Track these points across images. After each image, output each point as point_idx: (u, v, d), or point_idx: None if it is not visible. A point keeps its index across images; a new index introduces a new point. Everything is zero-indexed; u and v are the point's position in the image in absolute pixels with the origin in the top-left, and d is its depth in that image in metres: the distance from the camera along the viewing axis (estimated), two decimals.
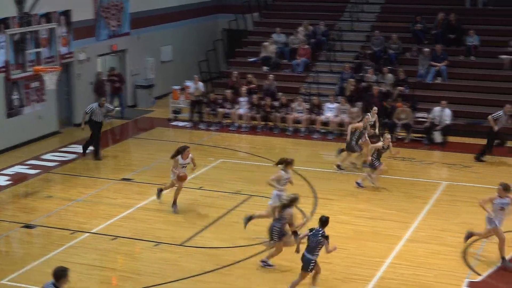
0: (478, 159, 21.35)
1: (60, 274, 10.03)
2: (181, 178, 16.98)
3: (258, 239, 15.09)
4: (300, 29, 28.98)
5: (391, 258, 14.49)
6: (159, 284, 13.47)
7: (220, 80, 29.15)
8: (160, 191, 17.66)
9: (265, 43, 28.58)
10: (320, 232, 12.58)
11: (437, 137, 23.15)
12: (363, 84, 25.67)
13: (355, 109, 24.34)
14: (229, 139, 24.01)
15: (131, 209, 17.36)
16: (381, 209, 17.33)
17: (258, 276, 13.82)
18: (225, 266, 14.22)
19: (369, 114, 21.06)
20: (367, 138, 20.37)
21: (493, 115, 21.61)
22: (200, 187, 18.88)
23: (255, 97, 25.56)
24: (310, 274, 12.91)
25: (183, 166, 17.07)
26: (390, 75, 25.70)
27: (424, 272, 13.84)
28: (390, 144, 18.97)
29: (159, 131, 24.69)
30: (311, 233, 12.70)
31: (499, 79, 25.94)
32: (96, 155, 21.35)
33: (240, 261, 14.45)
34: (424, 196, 18.27)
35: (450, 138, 23.25)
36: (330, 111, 24.63)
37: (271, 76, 26.57)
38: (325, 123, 24.59)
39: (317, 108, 24.92)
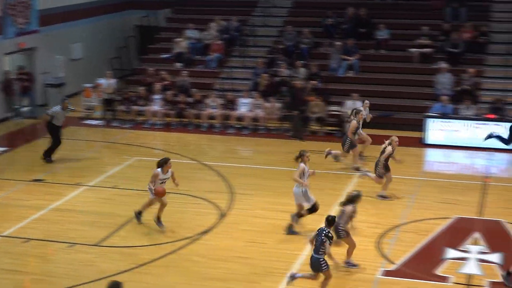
0: None
1: None
2: (160, 193, 15.22)
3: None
4: (213, 24, 28.90)
5: (307, 250, 14.57)
6: (74, 286, 13.18)
7: (133, 77, 28.80)
8: (138, 213, 15.94)
9: (178, 39, 28.39)
10: (324, 232, 12.43)
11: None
12: (277, 78, 25.79)
13: (269, 104, 24.45)
14: (143, 137, 23.73)
15: (44, 210, 16.93)
16: None
17: (176, 273, 13.69)
18: (142, 265, 14.03)
19: (361, 108, 20.81)
20: (362, 134, 20.32)
21: None
22: (115, 186, 18.58)
23: (169, 93, 25.35)
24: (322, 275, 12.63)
25: (162, 182, 15.35)
26: (302, 69, 25.91)
27: (341, 262, 13.98)
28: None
29: (71, 130, 24.17)
30: (317, 232, 12.57)
31: (409, 72, 26.49)
32: (47, 155, 20.63)
33: (157, 259, 14.29)
34: (339, 188, 18.46)
35: (362, 130, 23.56)
36: (244, 106, 24.65)
37: (184, 73, 26.41)
38: (240, 119, 24.60)
39: (231, 104, 24.92)
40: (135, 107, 25.21)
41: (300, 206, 15.58)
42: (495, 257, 14.22)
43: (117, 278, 13.20)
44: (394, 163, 17.63)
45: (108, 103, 25.51)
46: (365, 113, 20.61)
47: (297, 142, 22.81)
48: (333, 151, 19.83)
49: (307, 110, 23.94)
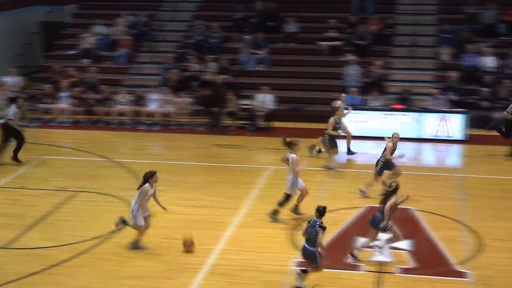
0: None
1: None
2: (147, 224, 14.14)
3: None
4: (121, 20, 28.50)
5: (222, 244, 14.56)
6: None
7: (38, 74, 28.11)
8: (135, 244, 14.39)
9: (85, 35, 27.87)
10: (318, 223, 12.39)
11: (260, 123, 23.64)
12: (187, 73, 25.66)
13: (179, 99, 24.29)
14: (51, 135, 23.22)
15: None
16: (209, 197, 17.37)
17: (89, 273, 13.43)
18: (53, 266, 13.70)
19: (338, 101, 20.52)
20: (346, 128, 20.23)
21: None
22: (23, 186, 18.10)
23: (76, 91, 24.87)
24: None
25: (148, 198, 14.04)
26: (213, 64, 25.85)
27: (254, 256, 14.02)
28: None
29: None
30: (309, 224, 12.50)
31: (318, 64, 26.79)
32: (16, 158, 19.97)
33: (69, 259, 13.98)
34: (251, 181, 18.51)
35: (274, 123, 23.75)
36: (154, 102, 24.42)
37: (92, 69, 25.96)
38: (150, 115, 24.35)
39: (141, 100, 24.63)
40: (42, 105, 24.62)
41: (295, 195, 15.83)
42: (405, 244, 14.52)
43: (30, 280, 12.93)
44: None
45: (13, 101, 24.77)
46: (343, 107, 20.25)
47: (208, 137, 22.79)
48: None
49: (227, 105, 23.91)
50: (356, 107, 22.80)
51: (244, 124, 23.93)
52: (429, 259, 14.00)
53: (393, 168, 17.25)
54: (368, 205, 16.54)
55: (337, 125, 19.42)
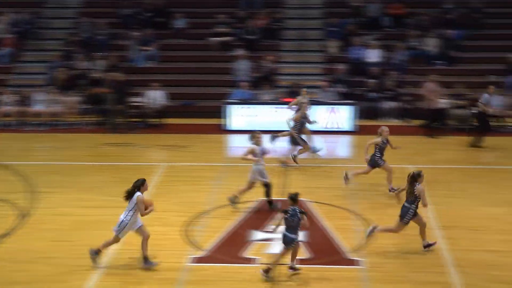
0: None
1: None
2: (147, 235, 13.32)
3: None
4: (2, 18, 27.57)
5: (115, 244, 14.28)
6: None
7: None
8: (145, 261, 13.36)
9: None
10: (297, 210, 12.55)
11: (152, 120, 23.43)
12: (74, 71, 25.09)
13: (68, 98, 23.75)
14: None
15: None
16: (103, 197, 17.03)
17: None
18: None
19: (300, 97, 20.25)
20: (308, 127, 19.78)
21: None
22: None
23: None
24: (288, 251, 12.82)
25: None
26: (101, 62, 25.37)
27: (149, 253, 13.82)
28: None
29: None
30: (289, 214, 12.57)
31: (209, 60, 26.75)
32: None
33: None
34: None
35: (165, 120, 23.56)
36: (41, 102, 23.76)
37: None
38: (37, 115, 23.68)
39: (27, 100, 23.92)
40: None
41: (252, 184, 15.95)
42: (299, 235, 14.64)
43: None
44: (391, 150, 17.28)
45: None
46: (304, 102, 19.93)
47: (99, 136, 22.39)
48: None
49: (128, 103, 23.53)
50: (247, 102, 22.88)
51: (135, 121, 23.61)
52: (322, 249, 14.18)
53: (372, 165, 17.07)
54: (261, 198, 16.60)
55: (304, 120, 19.26)
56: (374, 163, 17.04)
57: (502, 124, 23.27)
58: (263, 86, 24.15)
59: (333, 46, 26.72)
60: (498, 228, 15.18)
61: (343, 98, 23.87)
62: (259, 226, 15.17)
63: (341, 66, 25.03)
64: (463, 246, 14.24)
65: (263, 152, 16.05)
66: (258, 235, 14.79)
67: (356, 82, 24.96)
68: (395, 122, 23.58)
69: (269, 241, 14.40)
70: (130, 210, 13.05)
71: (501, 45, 26.25)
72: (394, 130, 21.32)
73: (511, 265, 13.53)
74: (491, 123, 21.75)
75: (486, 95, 21.31)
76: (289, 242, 12.75)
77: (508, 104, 23.07)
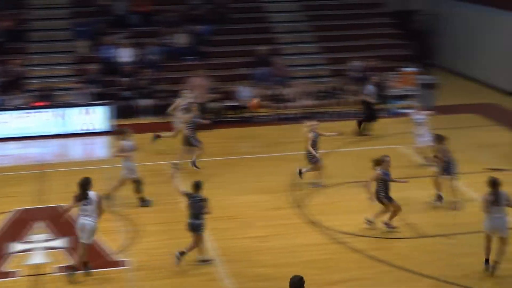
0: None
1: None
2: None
3: None
4: None
5: None
6: None
7: None
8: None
9: None
10: (199, 197, 12.97)
11: None
12: None
13: None
14: None
15: None
16: None
17: None
18: None
19: (179, 99, 20.17)
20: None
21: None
22: None
23: None
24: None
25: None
26: None
27: None
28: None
29: None
30: (191, 200, 12.98)
31: None
32: None
33: None
34: None
35: None
36: None
37: None
38: None
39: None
40: None
41: (124, 181, 16.04)
42: (61, 242, 14.18)
43: None
44: None
45: None
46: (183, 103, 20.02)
47: None
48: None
49: None
50: None
51: None
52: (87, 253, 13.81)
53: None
54: (17, 208, 15.85)
55: (195, 120, 18.73)
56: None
57: (252, 114, 23.80)
58: (12, 91, 23.04)
59: (82, 46, 26.12)
60: (258, 215, 15.69)
61: (97, 98, 23.41)
62: (18, 237, 14.46)
63: (92, 66, 24.52)
64: (227, 236, 14.56)
65: (131, 149, 16.00)
66: (18, 246, 14.08)
67: (109, 82, 24.59)
68: (151, 119, 23.51)
69: (29, 252, 13.78)
70: (96, 212, 12.74)
71: (248, 38, 27.16)
72: (147, 128, 21.44)
73: (271, 248, 14.05)
74: (372, 112, 22.38)
75: (370, 87, 22.07)
76: (196, 228, 13.05)
77: (258, 95, 23.86)
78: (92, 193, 12.62)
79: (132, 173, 16.06)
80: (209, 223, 13.46)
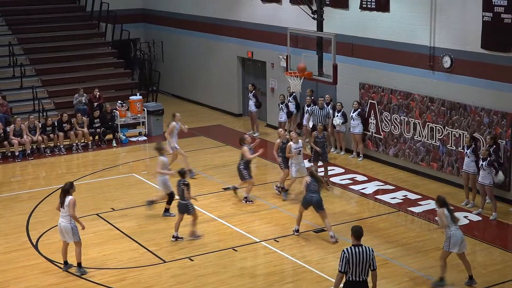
0: None
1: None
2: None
3: None
4: None
5: None
6: None
7: None
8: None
9: None
10: (181, 182, 15.19)
11: None
12: None
13: None
14: None
15: None
16: None
17: None
18: None
19: (174, 123, 19.74)
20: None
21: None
22: None
23: None
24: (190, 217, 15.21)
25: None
26: None
27: None
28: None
29: None
30: (176, 184, 15.29)
31: None
32: None
33: None
34: None
35: None
36: None
37: None
38: None
39: None
40: None
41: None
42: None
43: None
44: None
45: None
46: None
47: None
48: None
49: None
50: None
51: None
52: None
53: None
54: None
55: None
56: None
57: None
58: None
59: None
60: None
61: None
62: None
63: None
64: None
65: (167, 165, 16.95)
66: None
67: None
68: None
69: None
70: (72, 214, 13.46)
71: None
72: None
73: None
74: None
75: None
76: (185, 207, 15.09)
77: None
78: (72, 198, 13.46)
79: (168, 188, 16.69)
80: None
